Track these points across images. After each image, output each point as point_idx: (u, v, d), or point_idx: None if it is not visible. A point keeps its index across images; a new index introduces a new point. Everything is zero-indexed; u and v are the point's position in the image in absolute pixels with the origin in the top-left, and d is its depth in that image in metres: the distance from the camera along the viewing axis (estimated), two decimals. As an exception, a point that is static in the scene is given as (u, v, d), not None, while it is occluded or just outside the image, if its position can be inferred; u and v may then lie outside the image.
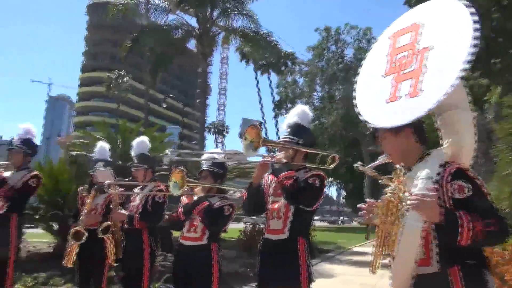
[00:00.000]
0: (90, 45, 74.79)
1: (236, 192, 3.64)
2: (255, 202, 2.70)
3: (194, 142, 74.55)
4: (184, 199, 3.25)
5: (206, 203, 2.99)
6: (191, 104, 74.05)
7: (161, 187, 3.66)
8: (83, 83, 74.14)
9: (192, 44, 18.82)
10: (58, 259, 6.37)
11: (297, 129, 2.60)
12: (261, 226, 9.68)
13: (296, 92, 34.21)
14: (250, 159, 3.28)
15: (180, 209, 3.15)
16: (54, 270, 5.73)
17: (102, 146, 4.01)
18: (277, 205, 2.53)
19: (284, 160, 2.42)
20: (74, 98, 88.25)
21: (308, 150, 2.59)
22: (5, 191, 3.65)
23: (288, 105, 35.65)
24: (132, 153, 3.91)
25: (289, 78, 35.42)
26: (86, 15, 74.78)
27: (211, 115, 79.80)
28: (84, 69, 74.49)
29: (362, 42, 32.14)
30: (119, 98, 50.41)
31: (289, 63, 41.59)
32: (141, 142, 3.92)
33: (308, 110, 2.71)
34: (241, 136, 2.38)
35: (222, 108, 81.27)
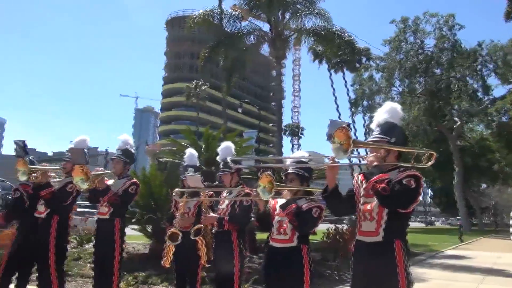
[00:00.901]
0: (170, 58, 79.58)
1: (322, 194, 3.60)
2: (339, 204, 2.66)
3: (271, 145, 75.46)
4: (271, 202, 3.30)
5: (295, 205, 3.01)
6: (266, 108, 75.18)
7: (247, 190, 3.76)
8: (165, 94, 79.04)
9: (264, 49, 19.10)
10: (153, 259, 6.87)
11: (387, 127, 2.48)
12: (345, 228, 9.47)
13: (373, 88, 32.92)
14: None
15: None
16: (151, 269, 6.16)
17: (191, 153, 4.22)
18: (369, 207, 2.44)
19: (375, 163, 2.32)
20: (158, 109, 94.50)
21: (401, 149, 2.47)
22: (109, 198, 4.01)
23: (365, 103, 34.49)
24: (218, 158, 4.06)
25: (365, 75, 34.19)
26: (165, 30, 79.76)
27: (286, 117, 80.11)
28: (166, 81, 79.40)
29: (444, 30, 29.91)
30: (198, 106, 52.85)
31: (364, 59, 40.19)
32: (226, 148, 4.05)
33: (398, 106, 2.57)
34: (329, 138, 2.33)
35: (296, 109, 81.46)
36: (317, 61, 43.37)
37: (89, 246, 7.92)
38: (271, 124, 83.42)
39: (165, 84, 79.21)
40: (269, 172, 2.90)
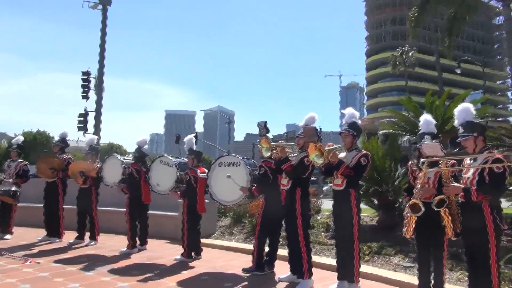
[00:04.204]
0: (370, 30, 77.13)
1: None
2: None
3: (499, 106, 63.99)
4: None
5: None
6: (489, 64, 64.11)
7: (498, 156, 3.29)
8: (369, 67, 77.31)
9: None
10: (382, 230, 6.88)
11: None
12: None
13: None
14: None
15: None
16: (382, 241, 6.17)
17: (427, 119, 3.89)
18: None
19: None
20: (362, 83, 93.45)
21: None
22: (343, 170, 4.19)
23: None
24: (456, 122, 3.66)
25: None
26: (363, 2, 77.54)
27: (517, 71, 65.92)
28: (368, 54, 77.49)
29: None
30: (407, 74, 49.48)
31: None
32: (465, 109, 3.58)
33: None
34: None
35: (533, 60, 65.99)
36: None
37: (319, 216, 8.52)
38: (498, 82, 70.80)
39: (368, 57, 77.26)
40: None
